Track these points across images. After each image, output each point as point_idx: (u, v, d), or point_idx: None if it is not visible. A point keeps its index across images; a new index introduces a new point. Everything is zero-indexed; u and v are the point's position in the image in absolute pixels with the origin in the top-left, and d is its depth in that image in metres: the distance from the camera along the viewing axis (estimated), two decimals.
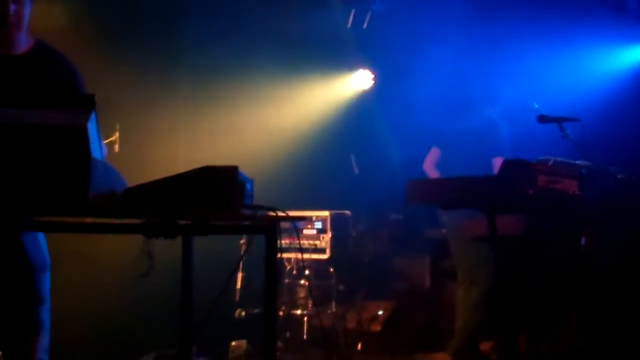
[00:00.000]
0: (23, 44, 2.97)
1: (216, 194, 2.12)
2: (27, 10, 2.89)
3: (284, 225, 2.39)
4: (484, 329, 4.66)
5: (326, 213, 5.74)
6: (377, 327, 5.55)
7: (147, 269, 2.29)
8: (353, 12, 6.71)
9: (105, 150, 2.84)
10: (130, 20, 5.86)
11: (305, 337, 5.32)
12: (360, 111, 6.96)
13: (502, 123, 4.95)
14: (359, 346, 5.44)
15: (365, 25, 6.74)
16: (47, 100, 2.03)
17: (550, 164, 3.89)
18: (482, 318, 4.56)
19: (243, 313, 5.40)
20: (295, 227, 2.73)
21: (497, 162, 4.74)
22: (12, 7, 2.81)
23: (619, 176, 4.02)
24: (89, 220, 2.15)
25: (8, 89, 2.76)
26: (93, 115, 2.01)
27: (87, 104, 2.01)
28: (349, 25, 6.76)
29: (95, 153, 2.00)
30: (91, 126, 1.97)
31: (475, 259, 4.53)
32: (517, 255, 4.27)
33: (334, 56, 6.85)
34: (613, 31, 6.02)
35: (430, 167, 4.98)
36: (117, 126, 4.84)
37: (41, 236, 2.99)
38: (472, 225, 4.31)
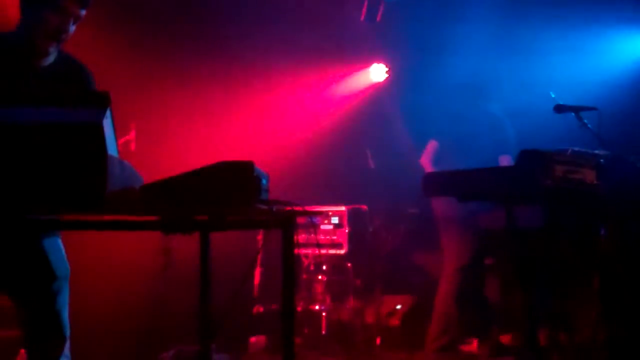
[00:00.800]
0: (51, 56, 2.98)
1: (232, 189, 2.12)
2: (71, 22, 2.88)
3: (301, 220, 2.38)
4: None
5: (343, 208, 5.73)
6: (395, 322, 5.53)
7: (166, 265, 2.29)
8: (366, 4, 6.68)
9: None
10: (147, 20, 5.89)
11: (323, 332, 5.32)
12: (375, 105, 6.94)
13: (507, 121, 4.93)
14: (378, 341, 5.43)
15: (379, 18, 6.71)
16: (62, 98, 2.03)
17: (568, 153, 3.85)
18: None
19: (261, 309, 5.41)
20: (313, 222, 2.73)
21: (503, 160, 4.72)
22: (72, 28, 2.83)
23: (638, 165, 3.97)
24: (106, 217, 2.16)
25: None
26: (108, 112, 2.01)
27: (102, 101, 2.01)
28: (362, 18, 6.73)
29: (112, 150, 2.00)
30: (106, 123, 1.98)
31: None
32: (536, 247, 4.23)
33: (348, 50, 6.84)
34: (631, 19, 5.96)
35: (427, 162, 4.97)
36: (133, 125, 4.86)
37: (60, 243, 3.00)
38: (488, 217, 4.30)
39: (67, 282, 2.97)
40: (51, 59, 2.94)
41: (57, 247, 2.95)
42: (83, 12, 2.85)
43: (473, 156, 4.51)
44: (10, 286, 2.87)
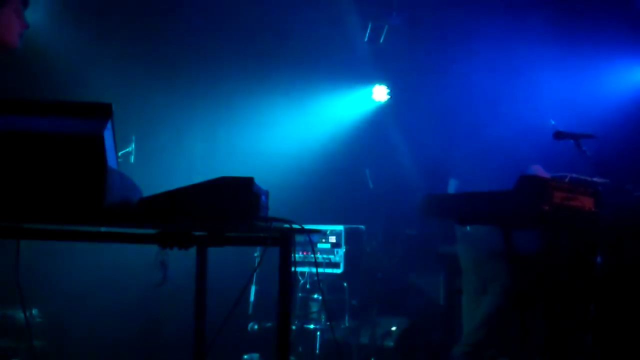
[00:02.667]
0: None
1: (232, 205, 2.11)
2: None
3: (298, 238, 2.38)
4: (490, 346, 4.61)
5: (341, 227, 5.73)
6: (390, 343, 5.51)
7: (161, 279, 2.29)
8: (370, 26, 6.73)
9: None
10: (150, 35, 5.92)
11: (317, 351, 5.29)
12: (375, 126, 6.97)
13: (520, 140, 4.91)
14: None
15: (381, 40, 6.76)
16: (64, 109, 2.04)
17: (566, 180, 3.86)
18: (488, 336, 4.50)
19: (256, 326, 5.39)
20: (310, 240, 2.72)
21: (535, 169, 4.69)
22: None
23: (635, 194, 3.98)
24: (103, 229, 2.16)
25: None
26: (109, 124, 2.01)
27: (104, 113, 2.02)
28: (365, 40, 6.78)
29: (112, 162, 2.01)
30: (107, 135, 1.98)
31: (491, 273, 4.49)
32: (533, 272, 4.23)
33: (351, 71, 6.88)
34: (630, 49, 6.00)
35: None
36: (133, 137, 4.88)
37: None
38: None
39: None
40: None
41: None
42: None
43: (495, 178, 4.47)
44: None
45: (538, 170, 4.69)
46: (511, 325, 4.25)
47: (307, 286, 5.56)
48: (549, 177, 4.21)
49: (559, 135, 4.15)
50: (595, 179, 3.92)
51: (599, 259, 3.99)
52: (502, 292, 4.36)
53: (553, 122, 4.30)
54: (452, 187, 4.83)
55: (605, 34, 5.81)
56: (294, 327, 5.35)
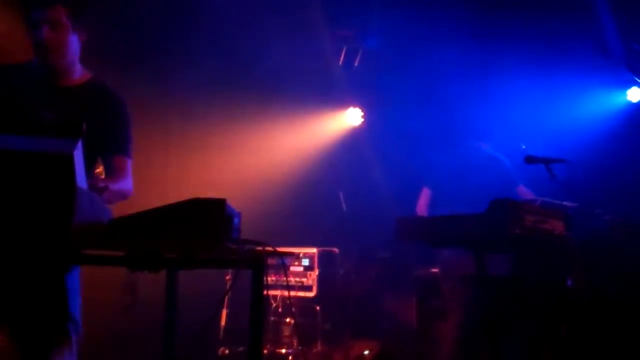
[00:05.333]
0: (75, 76, 2.97)
1: (203, 226, 2.09)
2: (70, 38, 2.89)
3: (271, 262, 2.36)
4: None
5: (314, 250, 5.71)
6: None
7: (130, 302, 2.25)
8: (345, 50, 6.78)
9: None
10: (123, 54, 5.89)
11: None
12: (349, 149, 6.99)
13: (500, 155, 4.94)
14: None
15: (356, 63, 6.80)
16: (33, 127, 2.01)
17: (537, 204, 3.90)
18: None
19: (227, 351, 5.33)
20: (283, 263, 2.71)
21: (521, 190, 4.72)
22: (47, 32, 2.80)
23: (605, 218, 4.03)
24: (71, 251, 2.12)
25: (50, 117, 2.77)
26: (80, 144, 1.99)
27: (74, 132, 1.99)
28: (340, 63, 6.82)
29: (81, 182, 1.98)
30: (77, 154, 1.95)
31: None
32: (504, 295, 4.25)
33: (325, 94, 6.90)
34: (600, 76, 6.12)
35: (423, 210, 4.93)
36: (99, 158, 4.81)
37: (77, 273, 2.89)
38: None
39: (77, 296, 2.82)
40: (74, 78, 2.96)
41: (74, 284, 2.80)
42: (69, 20, 2.85)
43: (472, 197, 4.48)
44: (15, 323, 2.64)
45: (522, 191, 4.74)
46: (483, 349, 4.25)
47: (279, 310, 5.52)
48: (533, 197, 4.25)
49: (530, 159, 4.20)
50: (565, 203, 3.97)
51: (569, 282, 4.02)
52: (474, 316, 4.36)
53: (524, 147, 4.35)
54: (426, 196, 4.84)
55: (576, 60, 5.92)
56: (265, 352, 5.30)
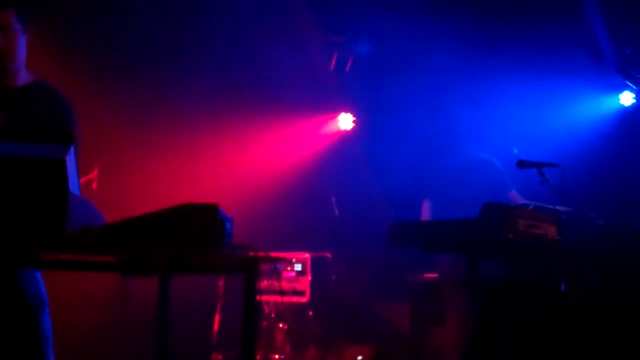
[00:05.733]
0: (21, 78, 2.95)
1: (195, 232, 2.08)
2: (19, 41, 2.86)
3: (263, 267, 2.35)
4: None
5: (306, 255, 5.70)
6: None
7: (123, 307, 2.24)
8: (336, 55, 6.78)
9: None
10: (113, 59, 5.88)
11: None
12: (341, 154, 6.98)
13: (494, 159, 4.95)
14: None
15: (347, 69, 6.81)
16: (25, 133, 2.00)
17: (530, 208, 3.90)
18: None
19: (220, 356, 5.30)
20: (276, 268, 2.70)
21: (513, 196, 4.72)
22: (16, 42, 2.79)
23: (598, 222, 4.04)
24: (64, 256, 2.10)
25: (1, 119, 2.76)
26: (72, 149, 1.98)
27: (66, 138, 1.98)
28: (331, 68, 6.83)
29: (74, 187, 1.97)
30: (70, 160, 1.94)
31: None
32: (497, 299, 4.25)
33: (316, 99, 6.90)
34: (592, 80, 6.15)
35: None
36: (96, 163, 4.81)
37: (39, 274, 2.90)
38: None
39: (45, 311, 2.85)
40: (20, 80, 2.93)
41: (34, 275, 2.83)
42: (19, 23, 2.81)
43: (464, 202, 4.48)
44: None
45: (515, 196, 4.75)
46: (479, 355, 4.25)
47: (272, 315, 5.50)
48: (525, 202, 4.26)
49: (522, 164, 4.21)
50: (558, 208, 3.97)
51: (562, 287, 4.02)
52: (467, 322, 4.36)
53: (516, 151, 4.36)
54: (427, 208, 4.83)
55: (568, 65, 5.95)
56: (258, 358, 5.28)
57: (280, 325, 5.45)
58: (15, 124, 2.73)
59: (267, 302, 5.53)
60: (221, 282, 5.35)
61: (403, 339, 5.79)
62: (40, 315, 2.80)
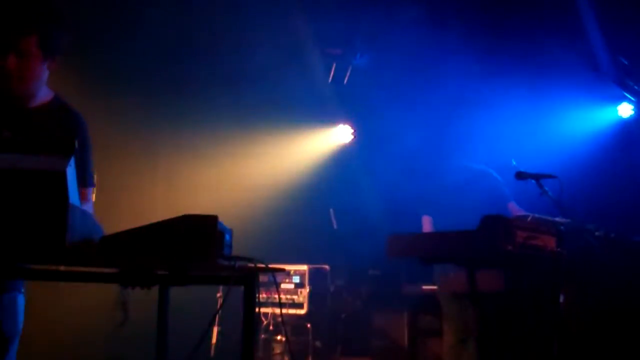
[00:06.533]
0: (39, 97, 2.93)
1: (195, 243, 2.08)
2: (37, 67, 2.82)
3: (262, 279, 2.35)
4: None
5: (304, 267, 5.69)
6: None
7: (123, 319, 2.23)
8: (334, 67, 6.80)
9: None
10: (112, 71, 5.89)
11: None
12: (339, 166, 6.99)
13: (491, 171, 4.94)
14: None
15: (345, 81, 6.83)
16: (26, 145, 2.00)
17: (528, 220, 3.90)
18: None
19: None
20: (275, 280, 2.70)
21: (512, 207, 4.71)
22: (12, 61, 2.74)
23: (597, 234, 4.04)
24: (63, 268, 2.10)
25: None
26: (72, 161, 1.98)
27: (67, 149, 1.98)
28: (330, 80, 6.84)
29: (73, 199, 1.96)
30: (70, 171, 1.94)
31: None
32: (495, 311, 4.24)
33: (315, 111, 6.92)
34: (591, 91, 6.17)
35: None
36: (95, 175, 4.79)
37: (21, 300, 2.88)
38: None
39: (15, 343, 2.83)
40: (37, 100, 2.92)
41: (14, 303, 2.81)
42: (40, 49, 2.78)
43: (469, 215, 4.47)
44: None
45: (513, 207, 4.74)
46: None
47: (270, 327, 5.48)
48: (524, 214, 4.25)
49: (520, 175, 4.21)
50: (557, 219, 3.97)
51: (561, 298, 4.02)
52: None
53: (514, 163, 4.36)
54: (428, 223, 4.82)
55: (566, 77, 5.96)
56: None
57: (279, 337, 5.43)
58: (16, 138, 2.73)
59: (266, 314, 5.52)
60: (219, 294, 5.34)
61: (401, 351, 5.78)
62: (8, 347, 2.77)
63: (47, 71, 2.90)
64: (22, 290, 2.86)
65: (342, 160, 7.06)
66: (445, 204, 4.69)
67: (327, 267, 5.91)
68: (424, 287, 5.26)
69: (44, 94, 2.97)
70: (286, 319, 5.57)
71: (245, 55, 6.36)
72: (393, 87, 6.47)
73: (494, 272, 4.10)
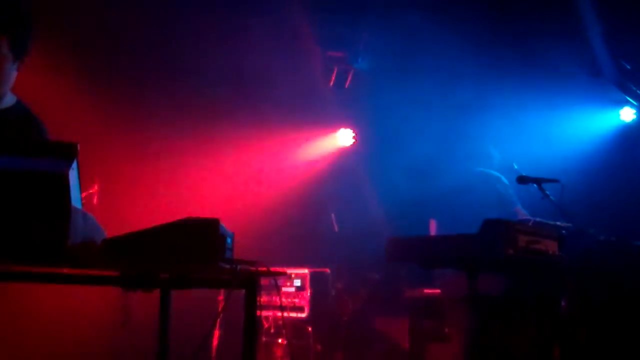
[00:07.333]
0: (4, 101, 2.93)
1: (196, 246, 2.08)
2: (7, 69, 2.83)
3: (263, 282, 2.35)
4: None
5: (305, 270, 5.69)
6: None
7: (124, 322, 2.23)
8: (335, 70, 6.80)
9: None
10: (112, 72, 5.90)
11: None
12: (340, 169, 6.99)
13: (498, 175, 4.94)
14: None
15: (347, 84, 6.83)
16: (28, 147, 2.00)
17: (530, 224, 3.90)
18: None
19: None
20: (276, 283, 2.70)
21: (518, 211, 4.71)
22: (7, 69, 2.76)
23: (598, 238, 4.04)
24: (65, 270, 2.10)
25: None
26: (74, 164, 1.98)
27: (69, 152, 1.98)
28: (331, 84, 6.84)
29: (76, 201, 1.97)
30: (72, 174, 1.94)
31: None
32: (497, 315, 4.24)
33: (316, 115, 6.92)
34: (593, 96, 6.17)
35: None
36: (97, 178, 4.81)
37: None
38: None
39: None
40: (5, 103, 2.91)
41: None
42: (10, 51, 2.78)
43: (474, 219, 4.46)
44: None
45: (519, 212, 4.74)
46: None
47: (271, 330, 5.48)
48: (525, 218, 4.25)
49: (522, 179, 4.21)
50: (558, 223, 3.97)
51: (562, 302, 4.01)
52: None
53: (516, 167, 4.36)
54: (434, 227, 4.82)
55: (568, 81, 5.96)
56: None
57: (280, 341, 5.43)
58: (19, 138, 2.73)
59: (267, 318, 5.51)
60: (221, 297, 5.33)
61: (402, 355, 5.77)
62: None
63: (15, 72, 2.89)
64: None
65: (343, 163, 7.06)
66: (450, 208, 4.69)
67: (328, 270, 5.91)
68: (426, 290, 5.26)
69: (9, 98, 2.97)
70: (287, 323, 5.57)
71: (247, 59, 6.37)
72: (394, 91, 6.46)
73: (495, 276, 4.10)
